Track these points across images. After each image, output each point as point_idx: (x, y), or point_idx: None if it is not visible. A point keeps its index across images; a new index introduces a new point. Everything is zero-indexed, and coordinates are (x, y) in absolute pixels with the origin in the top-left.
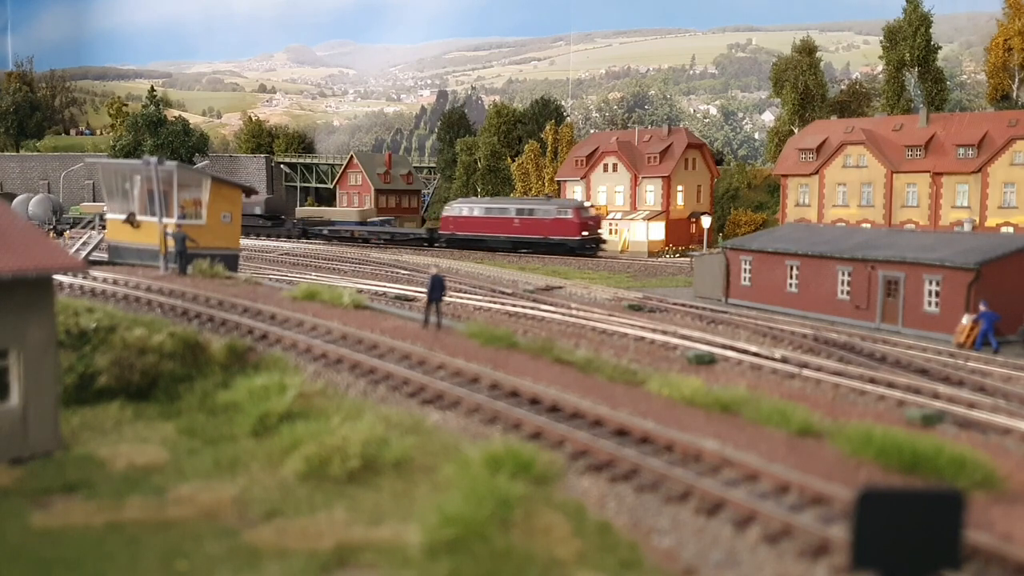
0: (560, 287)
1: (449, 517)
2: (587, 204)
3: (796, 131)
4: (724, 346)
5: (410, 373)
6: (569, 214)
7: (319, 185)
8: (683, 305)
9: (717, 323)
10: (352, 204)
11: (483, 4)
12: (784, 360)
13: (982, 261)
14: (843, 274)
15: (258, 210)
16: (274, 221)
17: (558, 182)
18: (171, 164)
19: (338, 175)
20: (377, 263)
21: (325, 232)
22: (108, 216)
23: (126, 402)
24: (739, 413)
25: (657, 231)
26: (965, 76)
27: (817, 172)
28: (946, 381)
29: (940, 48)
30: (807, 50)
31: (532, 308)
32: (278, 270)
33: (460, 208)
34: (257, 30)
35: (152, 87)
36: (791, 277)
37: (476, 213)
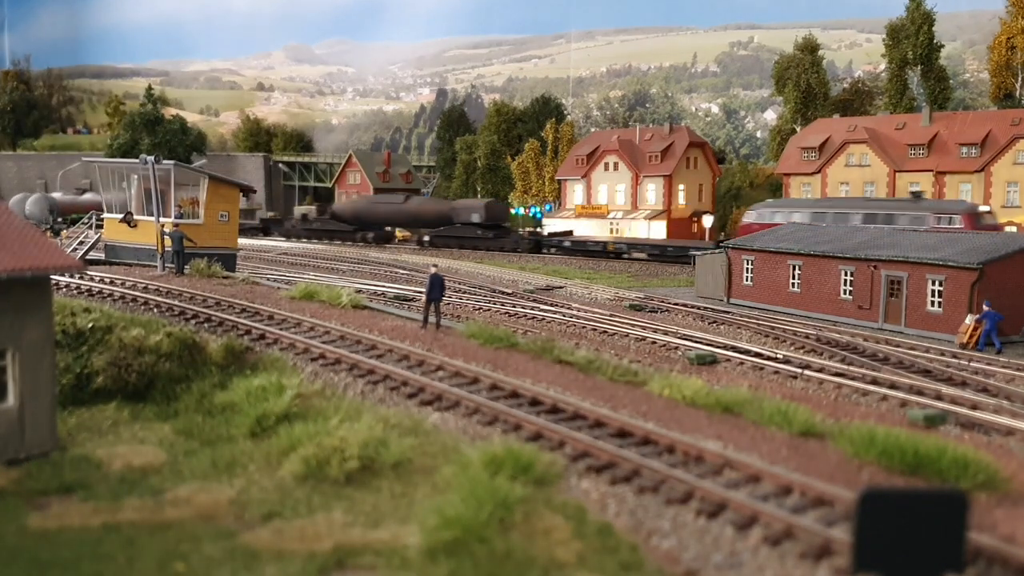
0: (560, 287)
1: (448, 519)
2: (982, 208)
3: (798, 129)
4: (726, 346)
5: (409, 374)
6: (957, 222)
7: (317, 184)
8: (684, 305)
9: (719, 323)
10: None
11: (483, 1)
12: (786, 360)
13: (985, 261)
14: (846, 274)
15: (475, 217)
16: (496, 231)
17: (558, 181)
18: (168, 163)
19: (337, 174)
20: (376, 263)
21: (567, 244)
22: (105, 216)
23: (123, 403)
24: (741, 414)
25: (659, 230)
26: (968, 74)
27: (820, 171)
28: (949, 382)
29: (943, 46)
30: (809, 48)
31: (532, 308)
32: (276, 270)
33: (771, 214)
34: (255, 28)
35: (150, 85)
36: (793, 277)
37: (797, 220)
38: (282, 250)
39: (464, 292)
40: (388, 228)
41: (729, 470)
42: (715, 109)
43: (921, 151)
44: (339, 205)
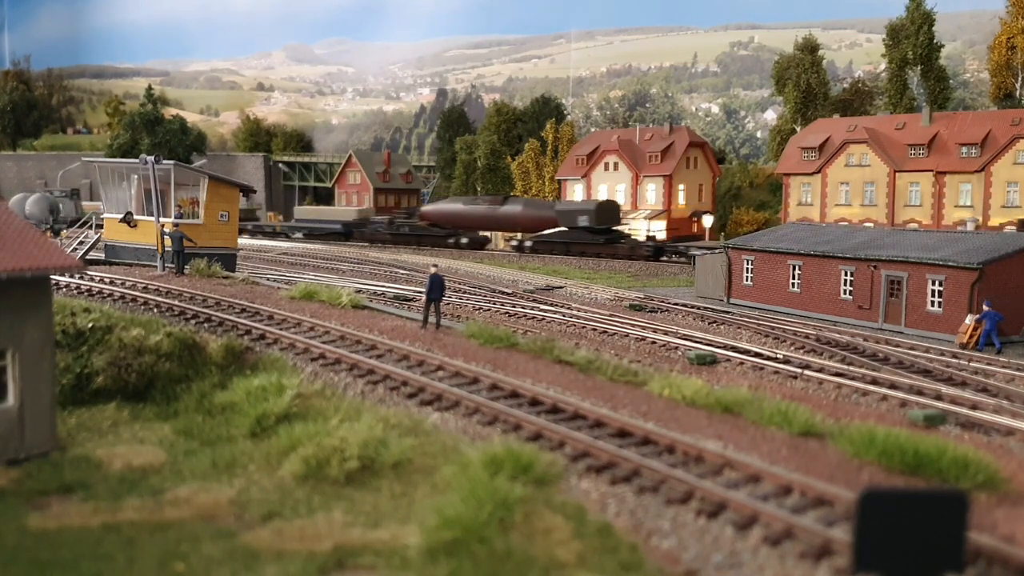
0: (560, 287)
1: (448, 519)
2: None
3: (798, 129)
4: (726, 346)
5: (409, 374)
6: None
7: (317, 184)
8: (684, 305)
9: (719, 323)
10: (351, 203)
11: (483, 1)
12: (786, 360)
13: (985, 261)
14: (846, 274)
15: None
16: None
17: (558, 181)
18: (168, 163)
19: (336, 174)
20: (376, 263)
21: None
22: (105, 215)
23: (123, 403)
24: (741, 414)
25: (659, 230)
26: (968, 74)
27: (820, 171)
28: (949, 382)
29: (943, 46)
30: (809, 48)
31: (532, 308)
32: (276, 270)
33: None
34: (255, 28)
35: (150, 85)
36: (793, 277)
37: None
38: (282, 250)
39: (464, 292)
40: None
41: (729, 470)
42: (715, 109)
43: (921, 151)
44: None
